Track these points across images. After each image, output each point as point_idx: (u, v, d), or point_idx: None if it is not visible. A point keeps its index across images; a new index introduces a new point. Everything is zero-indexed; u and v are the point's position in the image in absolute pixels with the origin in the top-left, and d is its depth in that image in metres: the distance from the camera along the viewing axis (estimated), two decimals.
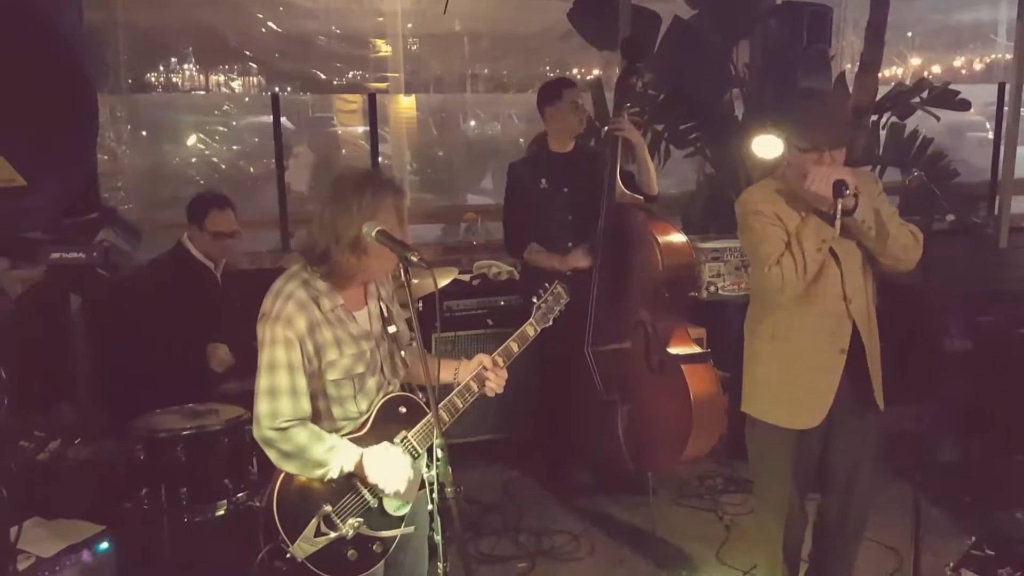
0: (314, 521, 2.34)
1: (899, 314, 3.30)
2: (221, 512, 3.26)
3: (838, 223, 2.78)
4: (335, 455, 2.34)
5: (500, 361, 2.61)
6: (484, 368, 2.57)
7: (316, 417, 2.42)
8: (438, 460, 2.26)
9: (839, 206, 2.76)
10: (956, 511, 4.10)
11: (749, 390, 3.20)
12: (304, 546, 2.34)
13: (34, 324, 4.21)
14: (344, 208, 2.31)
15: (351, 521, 2.38)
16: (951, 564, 3.09)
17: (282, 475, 2.37)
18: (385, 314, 2.55)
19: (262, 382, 2.34)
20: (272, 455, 2.35)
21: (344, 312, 2.43)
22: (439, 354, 4.46)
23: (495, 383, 2.57)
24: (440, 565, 2.33)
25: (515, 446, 4.85)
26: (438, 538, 2.31)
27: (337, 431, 2.44)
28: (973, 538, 3.20)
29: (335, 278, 2.39)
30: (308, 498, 2.37)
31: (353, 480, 2.40)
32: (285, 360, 2.31)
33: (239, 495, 3.30)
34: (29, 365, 3.95)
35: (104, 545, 3.01)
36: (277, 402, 2.32)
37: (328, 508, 2.36)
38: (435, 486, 2.28)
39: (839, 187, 2.74)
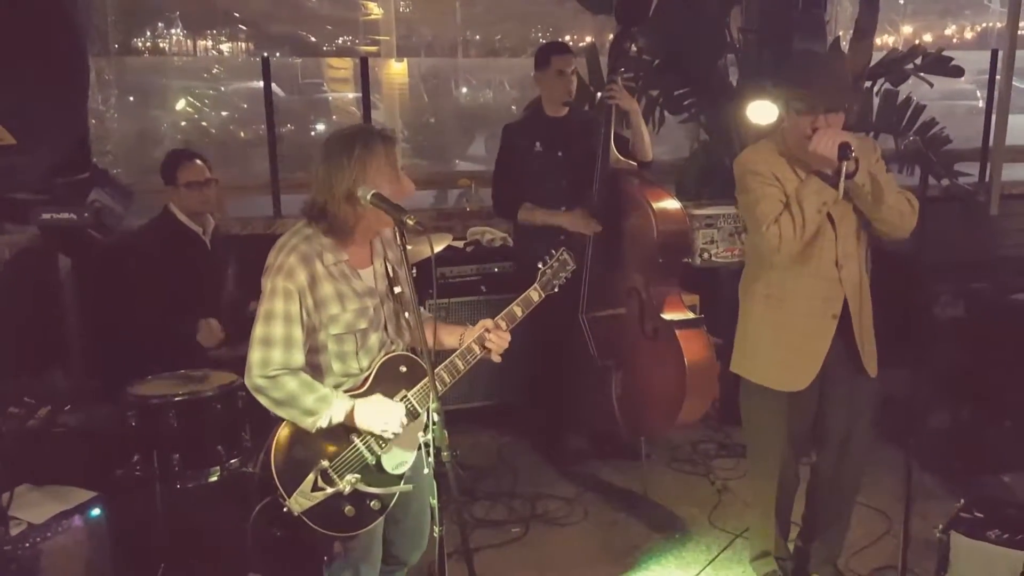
0: (311, 476, 2.37)
1: (891, 281, 3.30)
2: (214, 478, 3.27)
3: (842, 185, 2.77)
4: (325, 405, 2.36)
5: (503, 324, 2.62)
6: (487, 330, 2.58)
7: (317, 371, 2.45)
8: (434, 424, 2.26)
9: (844, 168, 2.75)
10: (945, 475, 4.14)
11: (740, 350, 3.21)
12: (301, 500, 2.36)
13: (24, 289, 4.17)
14: (336, 163, 2.35)
15: (348, 477, 2.40)
16: (940, 526, 3.11)
17: (279, 428, 2.40)
18: (391, 275, 2.56)
19: (257, 331, 2.36)
20: (265, 402, 2.39)
21: (348, 268, 2.45)
22: (442, 320, 4.47)
23: (497, 345, 2.58)
24: (436, 528, 2.34)
25: (509, 412, 4.86)
26: (434, 502, 2.31)
27: (338, 387, 2.46)
28: (962, 501, 3.22)
29: (337, 233, 2.41)
30: (306, 452, 2.39)
31: (351, 435, 2.43)
32: (283, 311, 2.34)
33: (232, 461, 3.30)
34: (19, 330, 3.94)
35: (96, 511, 3.00)
36: (270, 351, 2.35)
37: (325, 463, 2.39)
38: (431, 450, 2.28)
39: (844, 149, 2.73)
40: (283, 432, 2.41)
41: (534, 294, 2.69)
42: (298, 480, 2.37)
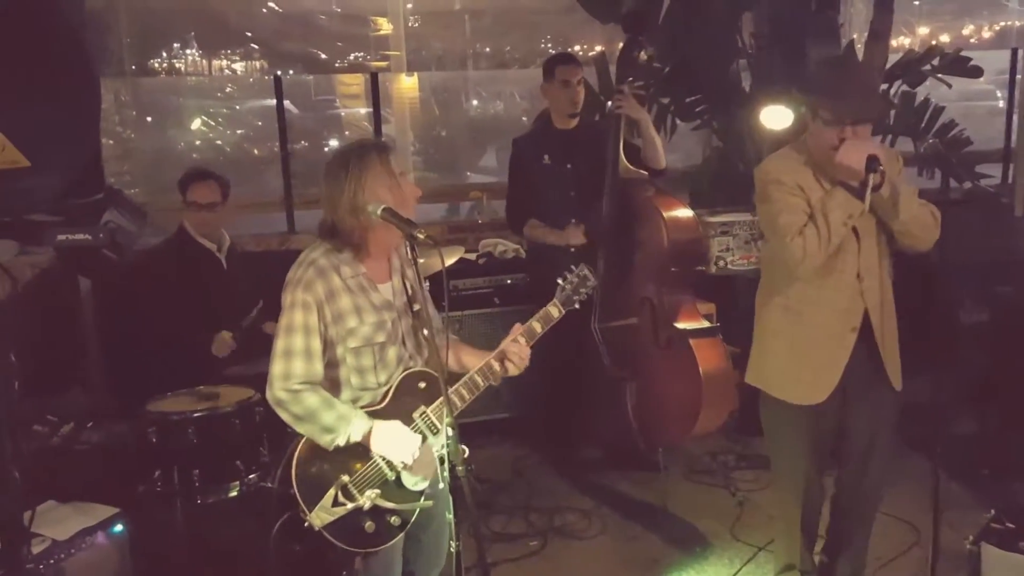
0: (332, 491, 2.38)
1: (914, 286, 3.26)
2: (234, 493, 3.28)
3: (868, 198, 2.73)
4: (344, 423, 2.38)
5: (522, 340, 2.60)
6: (510, 347, 2.57)
7: (335, 385, 2.47)
8: (449, 439, 2.26)
9: (871, 181, 2.71)
10: (974, 484, 4.07)
11: (756, 361, 3.17)
12: (322, 515, 2.38)
13: (44, 309, 4.21)
14: (334, 179, 2.40)
15: (369, 492, 2.41)
16: (970, 538, 3.05)
17: (300, 443, 2.42)
18: (409, 292, 2.58)
19: (279, 344, 2.41)
20: (284, 416, 2.41)
21: (366, 281, 2.48)
22: (446, 332, 4.47)
23: (518, 359, 2.57)
24: (452, 543, 2.34)
25: (525, 425, 4.83)
26: (450, 516, 2.32)
27: (355, 401, 2.48)
28: (992, 511, 3.16)
29: (351, 247, 2.45)
30: (326, 467, 2.41)
31: (371, 452, 2.42)
32: (302, 323, 2.38)
33: (251, 476, 3.31)
34: (40, 350, 3.96)
35: (118, 527, 3.01)
36: (291, 363, 2.38)
37: (346, 478, 2.40)
38: (446, 465, 2.28)
39: (872, 162, 2.69)
40: (303, 447, 2.43)
41: (553, 310, 2.67)
42: (319, 495, 2.38)
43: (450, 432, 2.24)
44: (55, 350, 4.12)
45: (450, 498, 2.28)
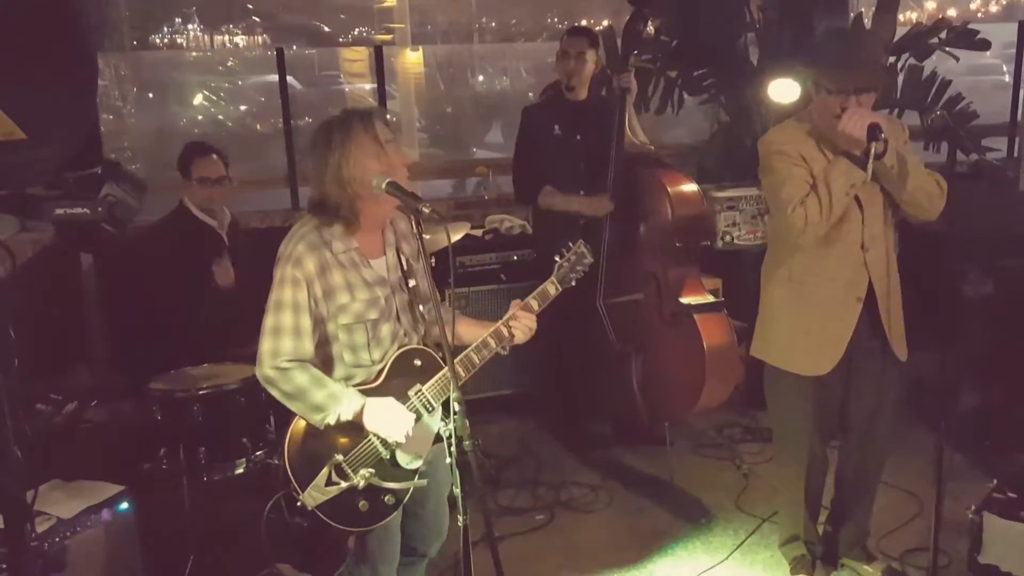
0: (325, 470, 2.36)
1: (919, 259, 3.25)
2: (240, 471, 3.27)
3: (870, 167, 2.72)
4: (335, 402, 2.34)
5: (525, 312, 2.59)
6: (512, 318, 2.55)
7: (328, 363, 2.43)
8: (455, 414, 2.25)
9: (872, 150, 2.69)
10: (976, 455, 4.08)
11: (761, 333, 3.18)
12: (315, 494, 2.35)
13: (46, 286, 4.20)
14: (318, 152, 2.37)
15: (362, 471, 2.38)
16: (972, 507, 3.07)
17: (294, 423, 2.39)
18: (405, 267, 2.54)
19: (268, 321, 2.37)
20: (275, 394, 2.38)
21: (358, 256, 2.43)
22: (453, 308, 4.45)
23: (522, 329, 2.55)
24: (460, 518, 2.33)
25: (531, 400, 4.84)
26: (457, 491, 2.30)
27: (349, 378, 2.45)
28: (995, 481, 3.18)
29: (342, 222, 2.40)
30: (320, 446, 2.38)
31: (364, 430, 2.40)
32: (291, 299, 2.35)
33: (257, 453, 3.31)
34: (43, 328, 3.96)
35: (124, 505, 3.02)
36: (279, 340, 2.34)
37: (340, 457, 2.37)
38: (452, 440, 2.27)
39: (873, 130, 2.68)
40: (297, 426, 2.40)
41: (551, 287, 2.65)
42: (312, 474, 2.36)
43: (457, 407, 2.23)
44: (57, 328, 4.11)
45: (457, 472, 2.27)
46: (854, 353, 3.03)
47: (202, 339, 3.63)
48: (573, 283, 2.68)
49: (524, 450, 4.51)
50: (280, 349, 2.34)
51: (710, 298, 3.97)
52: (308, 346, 2.37)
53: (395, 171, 2.38)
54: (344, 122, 2.38)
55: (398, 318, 2.51)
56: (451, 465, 2.30)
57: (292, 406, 2.37)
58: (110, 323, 4.46)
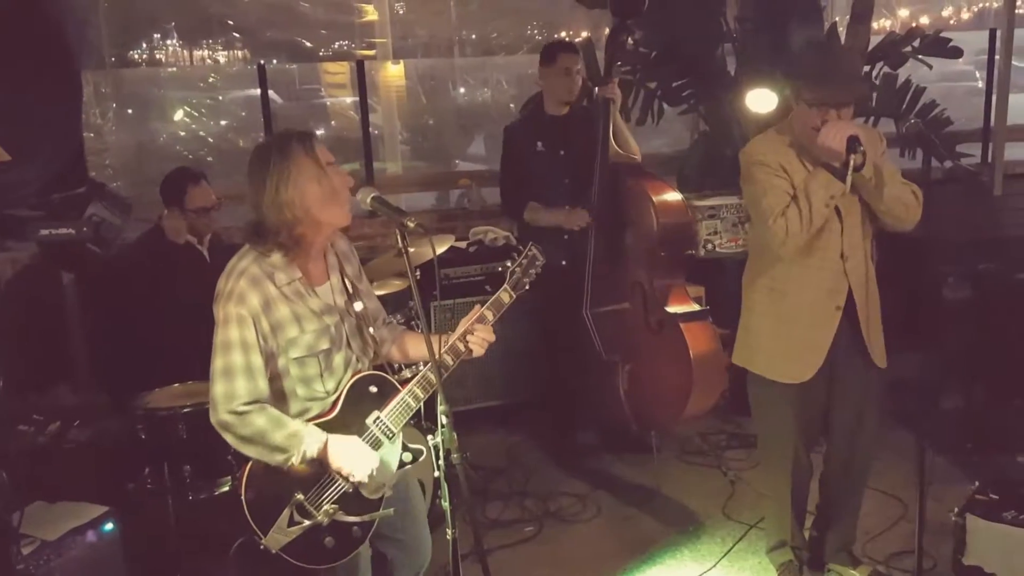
0: (287, 511, 2.26)
1: (899, 264, 3.29)
2: (226, 488, 3.25)
3: (849, 179, 2.75)
4: (297, 441, 2.25)
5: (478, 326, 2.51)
6: (467, 332, 2.48)
7: (281, 399, 2.34)
8: (443, 427, 2.24)
9: (851, 162, 2.73)
10: (958, 457, 4.11)
11: (743, 341, 3.21)
12: (278, 537, 2.26)
13: (28, 305, 4.17)
14: (257, 177, 2.26)
15: (326, 508, 2.30)
16: (956, 510, 3.10)
17: (249, 465, 2.29)
18: (350, 290, 2.47)
19: (217, 363, 2.26)
20: (230, 439, 2.27)
21: (303, 285, 2.34)
22: (438, 323, 4.45)
23: (479, 342, 2.47)
24: (448, 531, 2.32)
25: (518, 411, 4.85)
26: (446, 504, 2.30)
27: (304, 412, 2.37)
28: (977, 483, 3.21)
29: (282, 248, 2.30)
30: (279, 486, 2.27)
31: (325, 465, 2.32)
32: (238, 338, 2.24)
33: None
34: (24, 347, 3.94)
35: (109, 526, 2.99)
36: (232, 383, 2.24)
37: (300, 496, 2.28)
38: (440, 453, 2.26)
39: (853, 143, 2.71)
40: (252, 467, 2.29)
41: (505, 296, 2.54)
42: (273, 516, 2.25)
43: (444, 420, 2.22)
44: (39, 347, 4.09)
45: (445, 485, 2.26)
46: (836, 360, 3.07)
47: (185, 357, 3.61)
48: (527, 287, 2.59)
49: (512, 461, 4.50)
50: (234, 392, 2.23)
51: (696, 307, 4.00)
52: (263, 385, 2.27)
53: (337, 195, 2.30)
54: (283, 143, 2.27)
55: (348, 344, 2.42)
56: (439, 478, 2.29)
57: (248, 450, 2.26)
58: (92, 342, 4.42)
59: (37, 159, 1.66)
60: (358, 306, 2.48)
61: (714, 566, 3.52)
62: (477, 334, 2.47)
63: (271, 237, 2.27)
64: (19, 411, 3.48)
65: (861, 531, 3.44)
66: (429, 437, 2.46)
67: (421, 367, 2.48)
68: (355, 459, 2.31)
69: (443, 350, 2.44)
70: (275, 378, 2.32)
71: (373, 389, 2.43)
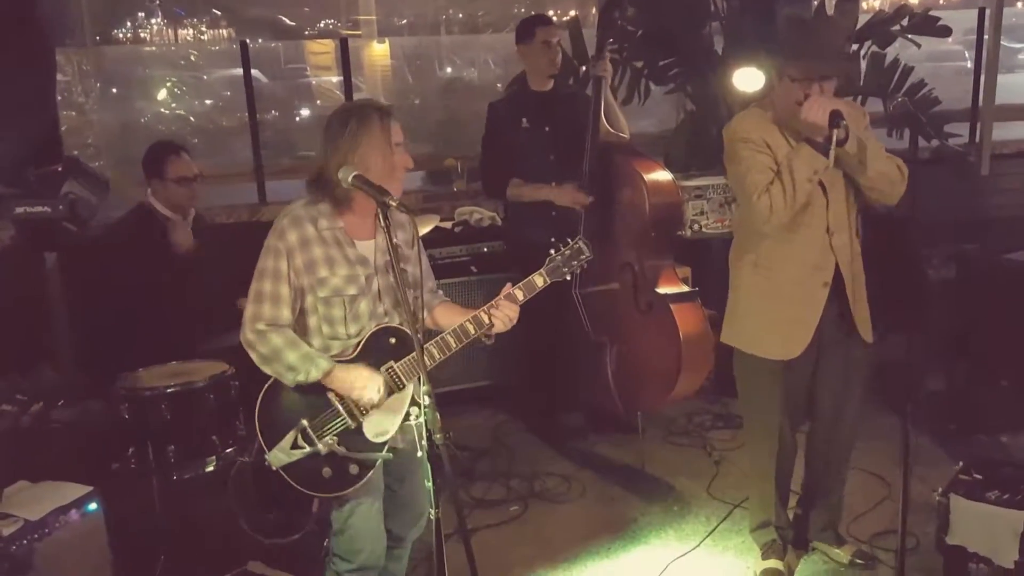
0: (291, 433, 2.46)
1: (884, 244, 3.29)
2: (210, 468, 3.25)
3: (832, 153, 2.75)
4: (308, 362, 2.44)
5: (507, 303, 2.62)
6: (492, 306, 2.59)
7: (306, 332, 2.54)
8: (425, 407, 2.24)
9: (834, 137, 2.72)
10: (942, 438, 4.15)
11: (730, 320, 3.21)
12: (279, 455, 2.46)
13: (9, 286, 4.13)
14: (332, 137, 2.46)
15: (327, 439, 2.47)
16: (939, 489, 3.12)
17: (267, 386, 2.51)
18: (393, 252, 2.52)
19: (252, 287, 2.50)
20: (254, 357, 2.49)
21: (343, 234, 2.52)
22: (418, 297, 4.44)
23: (503, 318, 2.58)
24: (432, 511, 2.33)
25: (504, 391, 4.85)
26: (429, 484, 2.30)
27: (326, 350, 2.53)
28: (960, 463, 3.23)
29: (334, 202, 2.50)
30: (289, 411, 2.49)
31: (333, 399, 2.49)
32: (272, 268, 2.47)
33: (228, 451, 3.28)
34: (7, 328, 3.90)
35: (93, 506, 2.97)
36: (259, 306, 2.47)
37: (305, 422, 2.46)
38: (423, 433, 2.26)
39: (835, 117, 2.71)
40: (268, 388, 2.51)
41: (539, 279, 2.67)
42: (279, 436, 2.46)
43: (427, 400, 2.23)
44: (22, 328, 4.05)
45: (428, 465, 2.27)
46: (822, 337, 3.08)
47: (169, 336, 3.60)
48: (567, 278, 2.71)
49: (497, 442, 4.51)
50: (260, 314, 2.46)
51: (685, 288, 4.00)
52: (286, 313, 2.48)
53: (393, 173, 2.49)
54: (364, 112, 2.47)
55: (379, 297, 2.56)
56: (422, 458, 2.30)
57: (268, 368, 2.47)
58: (75, 322, 4.40)
59: (10, 136, 1.63)
60: (400, 268, 2.53)
61: (698, 545, 3.54)
62: (502, 310, 2.60)
63: (327, 189, 2.48)
64: (2, 391, 3.46)
65: (846, 510, 3.46)
66: (413, 411, 2.48)
67: (447, 335, 2.60)
68: (358, 381, 2.47)
69: (467, 319, 2.58)
70: (303, 313, 2.53)
71: (392, 341, 2.56)
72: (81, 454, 3.32)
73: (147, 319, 3.60)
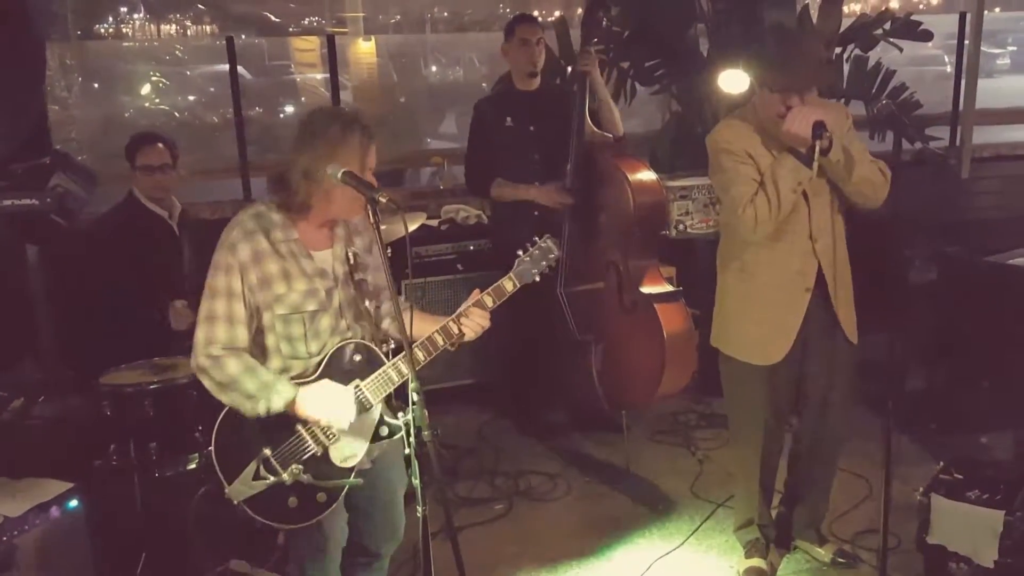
0: (253, 464, 2.32)
1: (866, 246, 3.32)
2: (193, 466, 3.22)
3: (816, 164, 2.77)
4: (268, 391, 2.29)
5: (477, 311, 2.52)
6: (462, 315, 2.49)
7: (264, 353, 2.38)
8: (414, 404, 2.23)
9: (817, 147, 2.74)
10: (923, 437, 4.19)
11: (718, 323, 3.22)
12: (241, 488, 2.32)
13: None
14: (308, 139, 2.31)
15: (292, 467, 2.34)
16: (920, 489, 3.15)
17: (224, 414, 2.34)
18: (351, 262, 2.46)
19: (202, 308, 2.33)
20: (208, 384, 2.32)
21: (298, 247, 2.38)
22: (411, 301, 4.43)
23: (472, 327, 2.49)
24: (419, 509, 2.31)
25: (489, 390, 4.85)
26: (416, 482, 2.28)
27: (285, 370, 2.39)
28: (941, 463, 3.26)
29: (290, 209, 2.35)
30: (248, 439, 2.33)
31: (296, 425, 2.35)
32: (224, 286, 2.30)
33: (210, 448, 3.25)
34: None
35: (74, 503, 2.95)
36: (213, 328, 2.30)
37: (267, 452, 2.33)
38: (411, 430, 2.25)
39: (818, 128, 2.72)
40: (227, 417, 2.34)
41: (508, 284, 2.54)
42: (239, 468, 2.31)
43: (415, 397, 2.21)
44: (3, 323, 4.00)
45: (415, 463, 2.26)
46: (808, 339, 3.10)
47: (152, 332, 3.57)
48: (536, 279, 2.58)
49: (482, 440, 4.51)
50: (213, 337, 2.30)
51: (669, 287, 4.01)
52: (242, 334, 2.32)
53: (360, 200, 2.33)
54: (348, 123, 2.32)
55: (340, 312, 2.44)
56: (410, 456, 2.28)
57: (224, 397, 2.31)
58: (57, 317, 4.35)
59: None
60: (359, 277, 2.48)
61: (682, 544, 3.56)
62: (472, 318, 2.49)
63: (287, 192, 2.33)
64: None
65: (828, 509, 3.48)
66: (400, 415, 2.43)
67: (416, 349, 2.47)
68: (329, 403, 2.33)
69: (435, 331, 2.46)
70: (260, 332, 2.37)
71: (358, 358, 2.44)
72: (62, 450, 3.30)
73: (131, 314, 3.57)
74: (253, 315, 2.34)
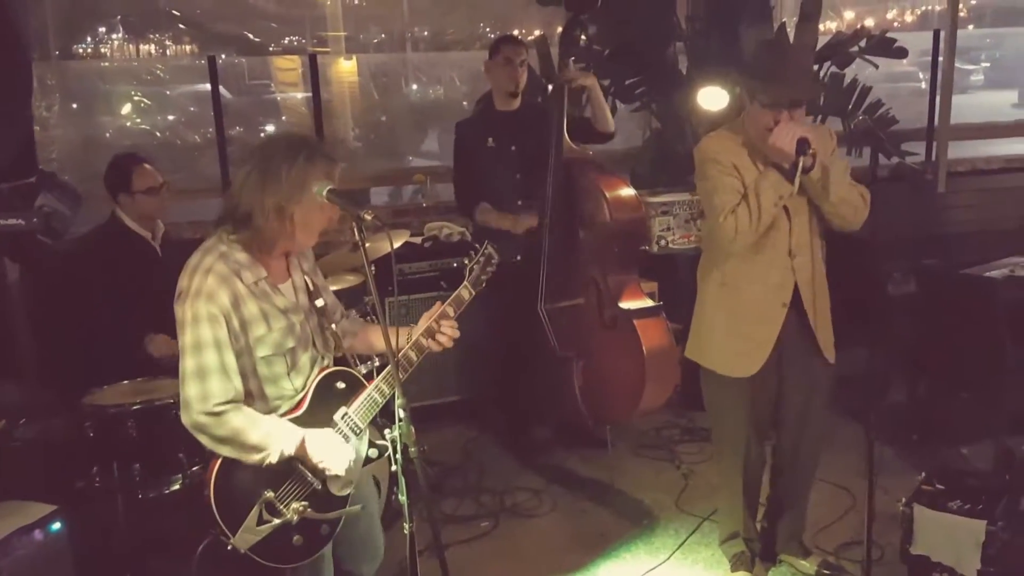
0: (256, 509, 2.24)
1: (844, 260, 3.36)
2: (176, 487, 3.20)
3: (797, 180, 2.82)
4: (273, 439, 2.24)
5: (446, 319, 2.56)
6: (435, 325, 2.52)
7: (249, 397, 2.31)
8: (400, 421, 2.23)
9: (800, 164, 2.78)
10: (905, 449, 4.23)
11: (695, 335, 3.26)
12: (247, 536, 2.23)
13: None
14: (273, 172, 2.21)
15: (295, 505, 2.29)
16: (903, 500, 3.18)
17: (219, 463, 2.26)
18: (310, 287, 2.46)
19: (188, 364, 2.21)
20: (205, 441, 2.23)
21: (268, 285, 2.32)
22: (394, 319, 4.43)
23: (446, 339, 2.52)
24: (406, 525, 2.31)
25: (473, 407, 4.85)
26: (403, 499, 2.29)
27: (272, 411, 2.34)
28: (923, 474, 3.29)
29: (256, 246, 2.28)
30: (248, 485, 2.25)
31: (294, 463, 2.31)
32: (211, 338, 2.19)
33: (194, 468, 3.24)
34: None
35: (57, 525, 2.93)
36: (207, 383, 2.19)
37: (270, 494, 2.26)
38: (398, 447, 2.25)
39: (802, 145, 2.77)
40: (221, 465, 2.26)
41: (465, 292, 2.62)
42: (242, 515, 2.23)
43: (402, 414, 2.22)
44: None
45: (402, 479, 2.26)
46: (784, 354, 3.13)
47: (135, 353, 3.55)
48: (484, 284, 2.68)
49: (467, 457, 4.50)
50: (209, 392, 2.19)
51: (649, 302, 4.03)
52: (237, 384, 2.24)
53: (325, 225, 2.34)
54: (312, 152, 2.24)
55: (313, 342, 2.42)
56: (396, 472, 2.28)
57: (224, 450, 2.23)
58: (39, 337, 4.32)
59: None
60: (319, 302, 2.47)
61: (668, 558, 3.56)
62: (445, 332, 2.52)
63: (253, 231, 2.23)
64: None
65: (811, 522, 3.50)
66: (386, 432, 2.43)
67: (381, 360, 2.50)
68: (333, 452, 2.32)
69: (408, 345, 2.46)
70: (243, 377, 2.28)
71: (340, 385, 2.44)
72: (45, 472, 3.27)
73: (113, 334, 3.55)
74: (238, 362, 2.26)
